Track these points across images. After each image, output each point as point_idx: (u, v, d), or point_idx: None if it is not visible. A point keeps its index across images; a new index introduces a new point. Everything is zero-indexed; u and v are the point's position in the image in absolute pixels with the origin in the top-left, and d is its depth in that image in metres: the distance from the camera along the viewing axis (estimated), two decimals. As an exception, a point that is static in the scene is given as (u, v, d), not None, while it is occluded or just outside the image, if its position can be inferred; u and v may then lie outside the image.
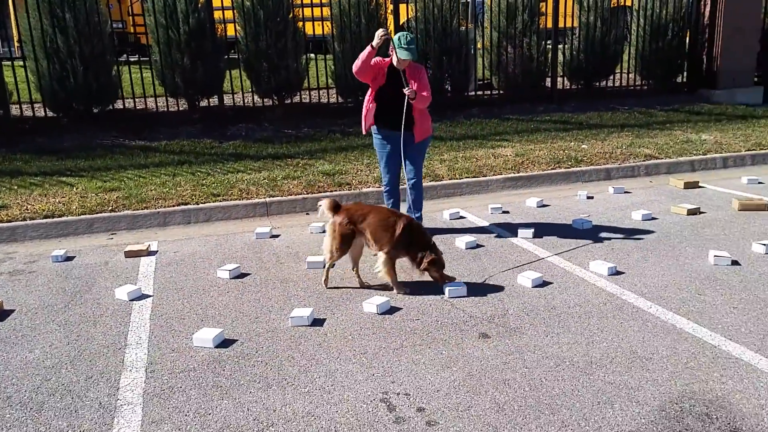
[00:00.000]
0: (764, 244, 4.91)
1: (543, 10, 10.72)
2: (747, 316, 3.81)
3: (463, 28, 10.67)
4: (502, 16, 10.62)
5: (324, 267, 4.56)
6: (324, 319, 3.97)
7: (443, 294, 4.29)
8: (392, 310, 4.07)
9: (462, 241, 5.26)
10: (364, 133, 5.66)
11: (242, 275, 4.80)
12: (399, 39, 4.99)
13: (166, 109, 9.49)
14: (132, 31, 11.98)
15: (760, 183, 7.16)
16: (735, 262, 4.70)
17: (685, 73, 11.97)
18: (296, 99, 10.27)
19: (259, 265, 5.02)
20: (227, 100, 10.12)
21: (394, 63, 5.12)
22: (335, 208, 4.49)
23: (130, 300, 4.36)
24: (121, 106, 9.34)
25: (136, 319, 4.06)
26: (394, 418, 2.91)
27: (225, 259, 5.20)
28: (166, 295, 4.44)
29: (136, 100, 9.63)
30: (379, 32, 4.90)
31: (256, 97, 10.06)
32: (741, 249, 5.00)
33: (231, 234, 5.92)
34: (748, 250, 4.96)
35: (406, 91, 5.07)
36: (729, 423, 2.77)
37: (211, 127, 9.26)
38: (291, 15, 9.89)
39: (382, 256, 4.37)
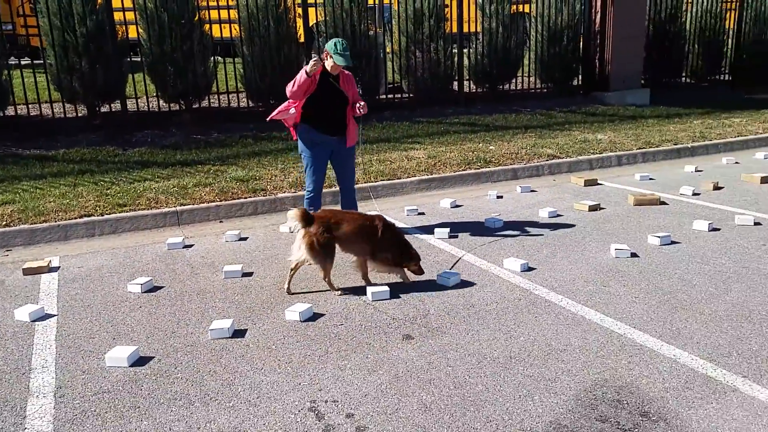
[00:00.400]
0: (659, 237, 5.27)
1: (448, 15, 11.01)
2: (647, 305, 4.08)
3: (372, 32, 10.78)
4: (409, 22, 10.81)
5: (327, 283, 4.45)
6: (245, 330, 3.89)
7: (366, 297, 4.31)
8: (315, 317, 4.05)
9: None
10: (267, 120, 5.61)
11: (155, 289, 4.63)
12: (335, 45, 4.95)
13: (63, 116, 8.96)
14: (23, 32, 11.22)
15: (651, 179, 7.68)
16: (634, 254, 5.03)
17: (580, 77, 12.65)
18: (205, 104, 9.99)
19: (172, 278, 4.85)
20: (131, 105, 9.72)
21: (327, 68, 5.08)
22: (307, 218, 4.35)
23: (33, 321, 4.09)
24: (13, 113, 8.75)
25: (40, 341, 3.82)
26: (324, 426, 2.90)
27: (135, 272, 4.99)
28: (73, 314, 4.21)
29: (30, 106, 9.06)
30: (313, 59, 4.91)
31: (161, 102, 9.70)
32: (638, 241, 5.35)
33: (140, 246, 5.69)
34: (644, 243, 5.31)
35: (360, 110, 5.14)
36: (639, 407, 2.96)
37: (114, 134, 8.85)
38: (197, 17, 9.62)
39: (373, 264, 4.51)
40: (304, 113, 5.24)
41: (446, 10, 10.98)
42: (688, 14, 13.64)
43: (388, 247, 4.45)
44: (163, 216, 6.29)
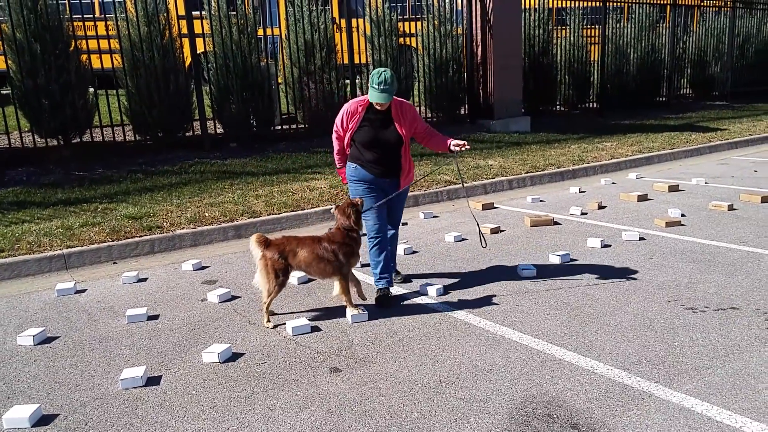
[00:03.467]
0: (559, 255, 5.56)
1: (338, 47, 11.17)
2: (559, 320, 4.28)
3: (263, 63, 10.69)
4: (301, 53, 10.84)
5: (264, 308, 4.32)
6: (160, 377, 3.64)
7: (286, 332, 4.19)
8: (235, 357, 3.86)
9: (293, 276, 5.20)
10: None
11: (49, 339, 4.23)
12: (372, 78, 4.31)
13: None
14: None
15: (542, 201, 8.13)
16: (539, 273, 5.26)
17: (466, 106, 13.23)
18: (86, 138, 9.42)
19: (68, 326, 4.46)
20: (1, 141, 8.94)
21: (372, 102, 4.43)
22: (264, 243, 4.29)
23: None
24: None
25: None
26: (262, 471, 2.75)
27: (23, 323, 4.54)
28: (-45, 374, 3.75)
29: None
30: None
31: (37, 137, 9.01)
32: (541, 260, 5.61)
33: (25, 294, 5.20)
34: (546, 261, 5.58)
35: (454, 147, 4.54)
36: (569, 419, 3.07)
37: (-18, 173, 8.10)
38: (72, 47, 9.09)
39: (336, 282, 4.46)
40: (351, 151, 4.66)
41: (336, 41, 11.14)
42: (558, 48, 14.74)
43: (348, 262, 4.43)
44: (48, 260, 5.80)
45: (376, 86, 4.28)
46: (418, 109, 12.58)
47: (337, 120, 4.59)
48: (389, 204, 4.72)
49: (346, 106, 4.55)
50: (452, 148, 4.58)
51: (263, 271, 4.28)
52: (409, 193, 8.05)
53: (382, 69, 4.33)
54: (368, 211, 4.61)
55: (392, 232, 4.93)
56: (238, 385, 3.52)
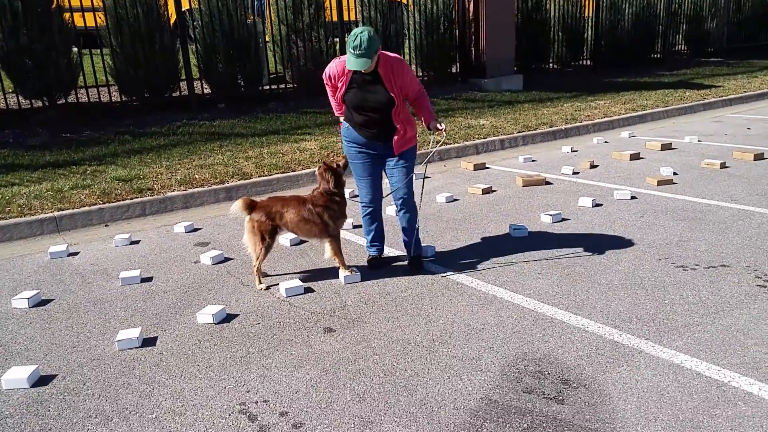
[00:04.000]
0: (550, 215, 5.58)
1: (327, 4, 10.94)
2: (551, 279, 4.31)
3: (250, 20, 10.47)
4: (288, 11, 10.61)
5: (254, 270, 4.33)
6: (156, 338, 3.66)
7: (279, 293, 4.21)
8: (229, 318, 3.89)
9: (285, 238, 5.20)
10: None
11: (44, 302, 4.23)
12: (348, 39, 3.91)
13: None
14: None
15: (533, 161, 8.11)
16: (531, 233, 5.29)
17: (458, 64, 13.07)
18: (72, 99, 9.26)
19: (62, 289, 4.46)
20: (-15, 103, 8.78)
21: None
22: (250, 206, 4.27)
23: None
24: None
25: None
26: (259, 427, 2.79)
27: (17, 286, 4.53)
28: (-50, 338, 3.75)
29: None
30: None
31: (21, 98, 8.85)
32: (532, 220, 5.63)
33: (17, 257, 5.18)
34: (538, 221, 5.60)
35: (437, 131, 4.25)
36: (560, 376, 3.12)
37: (-33, 136, 7.98)
38: (54, 5, 8.85)
39: (327, 243, 4.44)
40: (344, 110, 4.39)
41: (325, -2, 10.91)
42: (551, 3, 14.51)
43: (336, 218, 4.40)
44: (39, 223, 5.76)
45: (352, 50, 3.87)
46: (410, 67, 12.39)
47: (324, 77, 4.29)
48: (386, 172, 4.46)
49: (331, 65, 4.20)
50: (429, 127, 4.27)
51: (250, 233, 4.28)
52: (401, 153, 8.02)
53: (359, 30, 3.89)
54: (360, 179, 4.47)
55: (401, 199, 4.42)
56: (233, 345, 3.55)
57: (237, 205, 4.29)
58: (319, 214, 4.30)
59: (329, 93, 4.42)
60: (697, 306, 3.81)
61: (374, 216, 4.61)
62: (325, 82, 4.34)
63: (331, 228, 4.38)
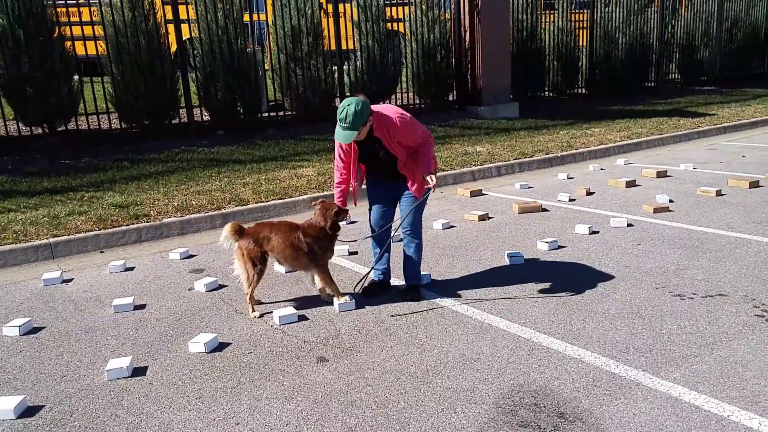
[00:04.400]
0: (547, 242, 5.56)
1: (325, 33, 11.07)
2: (547, 308, 4.28)
3: (249, 49, 10.57)
4: (287, 39, 10.73)
5: (247, 298, 4.29)
6: (146, 367, 3.62)
7: (273, 321, 4.17)
8: (221, 347, 3.84)
9: (280, 265, 5.17)
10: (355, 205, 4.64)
11: (35, 330, 4.19)
12: (338, 110, 3.94)
13: None
14: None
15: (530, 187, 8.12)
16: (527, 260, 5.26)
17: (455, 92, 13.17)
18: (71, 126, 9.30)
19: (54, 316, 4.42)
20: (-16, 129, 8.82)
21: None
22: (239, 232, 4.24)
23: None
24: None
25: None
26: (248, 462, 2.74)
27: (9, 313, 4.49)
28: (-62, 367, 3.70)
29: None
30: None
31: (22, 125, 8.89)
32: (529, 247, 5.61)
33: (11, 284, 5.14)
34: (534, 248, 5.59)
35: (431, 184, 4.16)
36: (555, 409, 3.07)
37: (-35, 162, 8.00)
38: (56, 33, 8.95)
39: (315, 273, 4.40)
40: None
41: (323, 27, 11.03)
42: (546, 33, 14.69)
43: (324, 255, 4.36)
44: (34, 249, 5.73)
45: (339, 122, 3.91)
46: (404, 96, 12.50)
47: (337, 146, 4.28)
48: (398, 201, 4.49)
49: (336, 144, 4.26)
50: (424, 173, 4.22)
51: (240, 260, 4.26)
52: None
53: (347, 102, 3.88)
54: (373, 203, 4.53)
55: (404, 233, 4.45)
56: (224, 375, 3.50)
57: (225, 231, 4.26)
58: (308, 244, 4.27)
59: (337, 159, 4.35)
60: (694, 336, 3.78)
61: (379, 242, 4.60)
62: (337, 152, 4.33)
63: (320, 258, 4.33)
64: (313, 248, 4.28)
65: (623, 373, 3.37)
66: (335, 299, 4.37)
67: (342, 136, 3.96)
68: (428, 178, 4.20)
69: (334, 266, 5.25)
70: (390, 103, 12.25)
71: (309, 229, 4.31)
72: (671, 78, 18.72)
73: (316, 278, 4.47)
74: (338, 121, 3.94)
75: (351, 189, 4.43)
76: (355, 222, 6.66)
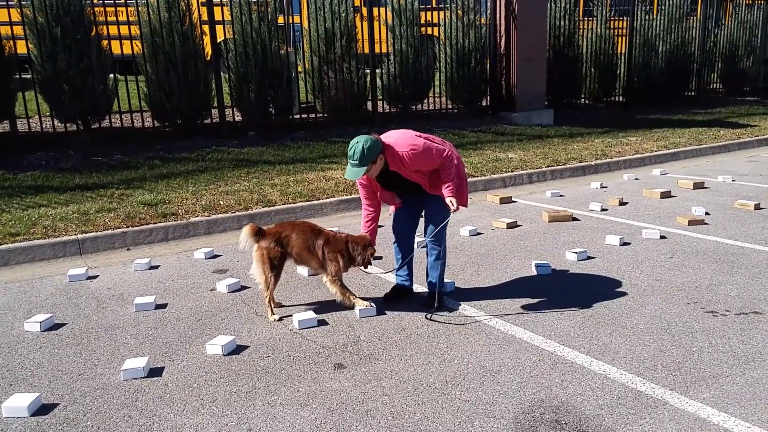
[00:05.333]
0: (575, 252, 5.41)
1: (359, 36, 11.04)
2: (573, 321, 4.15)
3: (283, 51, 10.61)
4: (321, 42, 10.73)
5: (266, 300, 4.26)
6: (162, 368, 3.60)
7: (292, 326, 4.12)
8: (239, 349, 3.81)
9: (303, 268, 5.13)
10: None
11: (56, 326, 4.22)
12: (348, 149, 4.03)
13: (-58, 137, 8.19)
14: None
15: (561, 196, 7.95)
16: (554, 271, 5.13)
17: (488, 98, 13.02)
18: (105, 124, 9.44)
19: (76, 313, 4.45)
20: (21, 125, 9.00)
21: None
22: (258, 233, 4.23)
23: None
24: None
25: None
26: (257, 469, 2.69)
27: (33, 308, 4.54)
28: (-39, 359, 3.75)
29: None
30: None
31: (57, 122, 9.06)
32: (557, 257, 5.47)
33: (37, 279, 5.21)
34: (563, 259, 5.44)
35: (451, 208, 4.11)
36: (577, 427, 2.95)
37: (2, 157, 8.17)
38: (94, 32, 9.09)
39: (327, 281, 4.30)
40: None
41: (357, 30, 11.01)
42: (584, 39, 14.43)
43: (334, 272, 4.29)
44: (62, 245, 5.81)
45: (349, 159, 3.98)
46: (437, 100, 12.40)
47: (358, 185, 4.38)
48: (422, 208, 4.47)
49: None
50: (445, 196, 4.14)
51: (259, 261, 4.22)
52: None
53: (356, 140, 3.93)
54: (397, 210, 4.51)
55: (429, 242, 4.41)
56: (239, 379, 3.46)
57: (244, 233, 4.25)
58: (324, 253, 4.23)
59: (362, 197, 4.41)
60: (726, 355, 3.61)
61: (401, 247, 4.54)
62: (360, 190, 4.40)
63: (330, 270, 4.27)
64: (326, 258, 4.24)
65: (650, 392, 3.23)
66: (356, 305, 4.31)
67: (350, 173, 4.01)
68: (449, 201, 4.12)
69: (357, 271, 5.19)
70: (422, 107, 12.17)
71: (334, 243, 4.26)
72: (713, 88, 18.22)
73: (334, 290, 4.35)
74: (348, 158, 3.98)
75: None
76: (381, 226, 6.58)
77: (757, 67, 18.22)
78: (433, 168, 4.17)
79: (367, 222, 4.44)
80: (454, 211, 4.15)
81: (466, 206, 4.34)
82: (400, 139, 4.11)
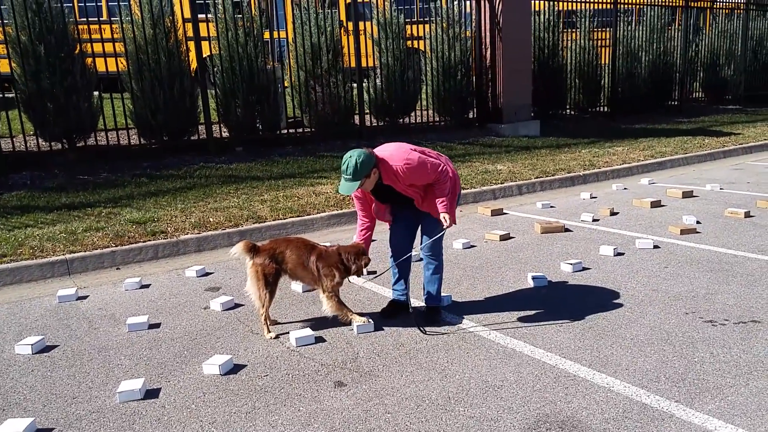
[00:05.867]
0: (570, 264, 5.40)
1: (345, 50, 11.05)
2: (572, 333, 4.12)
3: (269, 66, 10.59)
4: (307, 57, 10.73)
5: (262, 318, 4.19)
6: (159, 389, 3.52)
7: (289, 343, 4.06)
8: (236, 369, 3.74)
9: (297, 284, 5.07)
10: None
11: (48, 348, 4.12)
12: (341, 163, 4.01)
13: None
14: None
15: (552, 207, 7.97)
16: (550, 282, 5.11)
17: (475, 109, 13.08)
18: (91, 142, 9.33)
19: (68, 334, 4.35)
20: (5, 145, 8.87)
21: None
22: (253, 249, 4.16)
23: None
24: None
25: None
26: (262, 494, 2.62)
27: (22, 331, 4.43)
28: (-51, 385, 3.64)
29: None
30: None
31: (41, 141, 8.94)
32: (552, 269, 5.46)
33: (26, 300, 5.10)
34: (558, 270, 5.43)
35: (444, 225, 4.09)
36: (584, 440, 2.92)
37: (-14, 177, 8.03)
38: (78, 50, 9.01)
39: (323, 297, 4.22)
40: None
41: (343, 44, 11.02)
42: (568, 51, 14.57)
43: (331, 284, 4.22)
44: (50, 265, 5.70)
45: (342, 173, 3.95)
46: (424, 113, 12.43)
47: (353, 197, 4.33)
48: (419, 222, 4.40)
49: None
50: (439, 212, 4.12)
51: (254, 278, 4.17)
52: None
53: (349, 154, 3.92)
54: (394, 224, 4.48)
55: (424, 256, 4.39)
56: (239, 399, 3.39)
57: (238, 248, 4.20)
58: (318, 268, 4.17)
59: (357, 207, 4.39)
60: (728, 365, 3.60)
61: (397, 262, 4.49)
62: (355, 203, 4.38)
63: (326, 285, 4.20)
64: (320, 273, 4.18)
65: (655, 404, 3.20)
66: (353, 321, 4.25)
67: (344, 188, 3.97)
68: (442, 217, 4.10)
69: (351, 286, 5.15)
70: (410, 120, 12.19)
71: (327, 256, 4.20)
72: (695, 96, 18.47)
73: (326, 306, 4.26)
74: (342, 172, 3.95)
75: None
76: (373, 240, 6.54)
77: (738, 75, 18.51)
78: (428, 182, 4.14)
79: (362, 231, 4.40)
80: (447, 227, 4.12)
81: (455, 223, 4.27)
82: (394, 152, 4.08)
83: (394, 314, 4.49)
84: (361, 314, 4.32)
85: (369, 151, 4.01)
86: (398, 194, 4.18)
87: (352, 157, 3.91)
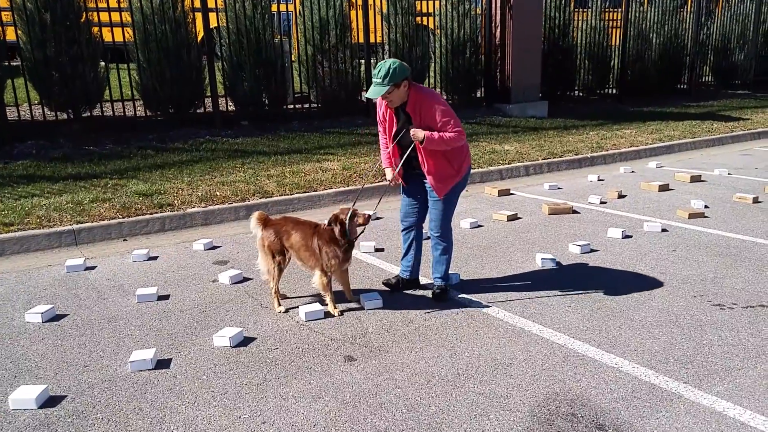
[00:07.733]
0: (579, 245, 5.40)
1: (353, 25, 10.93)
2: (581, 313, 4.13)
3: (277, 39, 10.48)
4: (315, 31, 10.62)
5: (272, 291, 4.21)
6: (170, 360, 3.54)
7: (299, 317, 4.07)
8: (246, 341, 3.75)
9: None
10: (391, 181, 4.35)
11: (58, 317, 4.14)
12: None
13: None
14: None
15: (559, 188, 7.94)
16: (559, 263, 5.11)
17: (483, 89, 12.98)
18: (96, 112, 9.28)
19: (77, 304, 4.36)
20: (10, 113, 8.82)
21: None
22: (264, 222, 4.17)
23: None
24: None
25: None
26: (274, 464, 2.64)
27: (32, 299, 4.45)
28: (-40, 351, 3.66)
29: None
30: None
31: (47, 110, 8.89)
32: (560, 250, 5.45)
33: (34, 269, 5.11)
34: (566, 251, 5.43)
35: (414, 135, 3.98)
36: (593, 420, 2.94)
37: (-8, 145, 8.01)
38: (84, 19, 8.91)
39: (316, 273, 4.17)
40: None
41: (351, 19, 10.90)
42: (578, 31, 14.41)
43: (329, 260, 4.17)
44: (57, 235, 5.70)
45: (373, 78, 3.89)
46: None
47: (378, 118, 4.29)
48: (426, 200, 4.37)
49: (378, 105, 4.22)
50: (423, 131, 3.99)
51: (261, 251, 4.19)
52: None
53: (386, 60, 3.88)
54: (402, 197, 4.46)
55: (432, 235, 4.38)
56: (249, 371, 3.41)
57: (253, 219, 4.21)
58: (319, 246, 4.10)
59: (380, 132, 4.38)
60: (737, 348, 3.61)
61: (407, 235, 4.49)
62: (378, 126, 4.37)
63: (325, 264, 4.12)
64: (321, 251, 4.10)
65: (664, 385, 3.22)
66: (362, 297, 4.25)
67: (372, 92, 3.89)
68: (421, 132, 3.95)
69: (360, 263, 5.15)
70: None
71: (323, 233, 4.14)
72: (704, 80, 18.30)
73: (316, 280, 4.17)
74: (373, 77, 3.91)
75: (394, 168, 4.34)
76: (380, 218, 6.54)
77: (749, 60, 18.31)
78: (434, 125, 3.97)
79: (387, 158, 4.36)
80: (413, 136, 3.96)
81: (421, 143, 4.01)
82: (428, 89, 4.13)
83: (401, 290, 4.50)
84: (335, 308, 4.16)
85: (405, 64, 3.95)
86: (410, 142, 4.08)
87: (387, 63, 3.87)
